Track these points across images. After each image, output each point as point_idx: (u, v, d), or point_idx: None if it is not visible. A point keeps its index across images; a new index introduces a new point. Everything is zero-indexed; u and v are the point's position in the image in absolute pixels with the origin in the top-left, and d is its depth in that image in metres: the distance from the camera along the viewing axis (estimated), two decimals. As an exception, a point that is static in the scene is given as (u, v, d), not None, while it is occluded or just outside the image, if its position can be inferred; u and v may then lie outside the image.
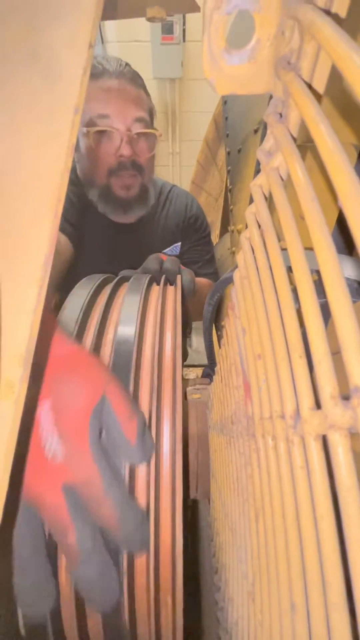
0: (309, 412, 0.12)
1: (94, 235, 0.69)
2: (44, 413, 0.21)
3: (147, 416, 0.28)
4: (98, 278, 0.41)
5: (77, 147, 0.64)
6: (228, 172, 0.70)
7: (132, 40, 2.17)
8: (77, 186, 0.68)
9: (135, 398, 0.29)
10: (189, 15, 1.92)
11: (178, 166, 2.53)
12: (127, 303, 0.36)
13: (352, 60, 0.08)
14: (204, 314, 0.50)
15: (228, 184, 0.70)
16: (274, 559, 0.16)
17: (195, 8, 0.26)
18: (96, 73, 0.58)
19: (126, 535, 0.22)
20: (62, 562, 0.23)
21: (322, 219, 0.11)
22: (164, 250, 0.78)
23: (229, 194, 0.69)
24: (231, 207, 0.67)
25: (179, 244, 0.80)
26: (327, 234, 0.10)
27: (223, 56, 0.14)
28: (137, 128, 0.61)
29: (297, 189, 0.12)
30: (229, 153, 0.70)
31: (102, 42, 2.12)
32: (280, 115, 0.15)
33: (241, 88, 0.15)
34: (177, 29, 1.97)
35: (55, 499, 0.21)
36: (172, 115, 2.31)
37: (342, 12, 0.11)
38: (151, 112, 0.66)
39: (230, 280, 0.46)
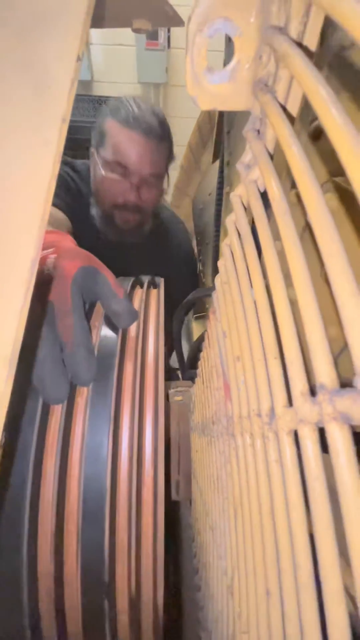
0: (282, 409, 0.12)
1: (84, 234, 0.75)
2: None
3: (129, 417, 0.29)
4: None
5: (93, 166, 0.71)
6: (198, 240, 0.86)
7: (116, 43, 2.17)
8: (86, 184, 0.74)
9: (117, 399, 0.29)
10: (173, 23, 1.94)
11: (162, 170, 2.54)
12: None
13: (320, 94, 0.09)
14: (174, 330, 0.57)
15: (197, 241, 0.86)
16: (251, 550, 0.16)
17: (180, 23, 0.27)
18: (127, 122, 0.63)
19: (74, 356, 0.27)
20: (44, 497, 0.25)
21: (294, 228, 0.12)
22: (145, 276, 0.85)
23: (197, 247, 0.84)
24: (199, 248, 0.82)
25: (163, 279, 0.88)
26: (297, 241, 0.11)
27: (205, 75, 0.15)
28: (148, 181, 0.68)
29: (272, 202, 0.13)
30: (201, 208, 0.88)
31: (87, 44, 2.11)
32: (258, 132, 0.16)
33: (222, 105, 0.16)
34: (162, 36, 2.00)
35: None
36: (156, 120, 2.33)
37: (312, 46, 0.12)
38: (168, 161, 0.72)
39: (192, 303, 0.53)
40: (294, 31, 0.12)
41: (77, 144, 2.28)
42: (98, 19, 0.24)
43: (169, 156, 0.71)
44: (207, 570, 0.32)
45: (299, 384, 0.11)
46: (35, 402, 0.26)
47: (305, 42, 0.12)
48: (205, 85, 0.15)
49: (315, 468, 0.10)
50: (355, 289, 0.08)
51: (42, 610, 0.24)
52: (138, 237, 0.76)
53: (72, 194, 0.72)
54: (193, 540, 0.44)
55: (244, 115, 0.16)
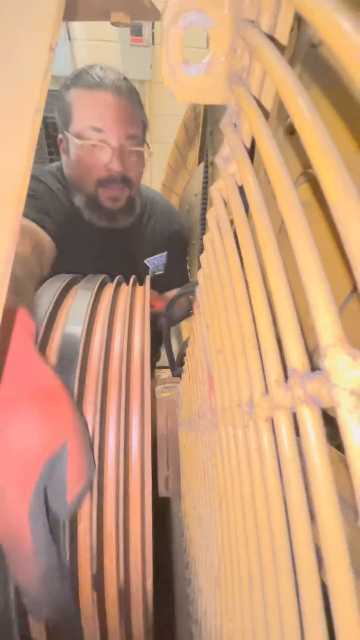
0: (260, 397, 0.13)
1: (80, 239, 0.68)
2: None
3: (115, 415, 0.28)
4: (65, 278, 0.41)
5: (66, 151, 0.65)
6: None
7: (100, 39, 2.14)
8: (67, 189, 0.68)
9: (103, 398, 0.29)
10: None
11: (149, 168, 2.52)
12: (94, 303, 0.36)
13: (288, 86, 0.10)
14: (163, 327, 0.57)
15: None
16: (235, 539, 0.17)
17: (159, 16, 0.27)
18: (92, 84, 0.59)
19: (43, 599, 0.21)
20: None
21: (268, 222, 0.12)
22: (149, 259, 0.80)
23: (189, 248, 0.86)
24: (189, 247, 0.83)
25: (165, 254, 0.82)
26: (272, 234, 0.12)
27: (181, 68, 0.15)
28: (130, 145, 0.62)
29: (248, 194, 0.13)
30: (187, 209, 0.92)
31: (70, 40, 2.08)
32: (235, 125, 0.16)
33: (199, 98, 0.16)
34: (146, 32, 1.98)
35: None
36: (142, 117, 2.31)
37: (283, 40, 0.12)
38: (144, 127, 0.67)
39: (174, 301, 0.53)
40: (265, 24, 0.12)
41: (62, 141, 2.25)
42: (74, 10, 0.24)
43: (143, 118, 0.67)
44: (196, 563, 0.32)
45: (273, 372, 0.11)
46: None
47: (276, 36, 0.12)
48: (181, 78, 0.15)
49: (289, 452, 0.10)
50: (319, 272, 0.08)
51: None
52: (129, 216, 0.70)
53: (54, 209, 0.65)
54: (183, 534, 0.45)
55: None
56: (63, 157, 0.68)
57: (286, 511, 0.11)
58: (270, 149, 0.11)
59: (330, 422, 0.11)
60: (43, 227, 0.59)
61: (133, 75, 2.15)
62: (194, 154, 1.15)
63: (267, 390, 0.13)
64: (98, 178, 0.63)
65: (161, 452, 0.43)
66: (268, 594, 0.12)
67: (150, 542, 0.26)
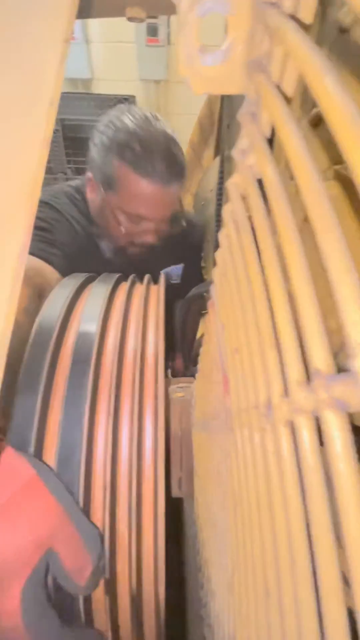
0: (279, 399, 0.12)
1: (95, 260, 0.68)
2: None
3: (129, 416, 0.28)
4: (80, 277, 0.41)
5: (97, 195, 0.64)
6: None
7: (117, 41, 2.16)
8: (88, 218, 0.68)
9: (116, 398, 0.28)
10: (173, 18, 1.93)
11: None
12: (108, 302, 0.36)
13: (315, 68, 0.09)
14: (177, 324, 0.57)
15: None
16: (251, 547, 0.16)
17: (174, 10, 0.26)
18: (141, 169, 0.55)
19: None
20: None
21: (291, 215, 0.11)
22: (166, 270, 0.80)
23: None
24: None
25: (181, 265, 0.82)
26: (294, 229, 0.11)
27: (198, 56, 0.15)
28: (166, 219, 0.64)
29: (268, 187, 0.13)
30: (202, 204, 0.92)
31: (87, 42, 2.11)
32: (254, 115, 0.15)
33: (216, 88, 0.16)
34: (162, 32, 1.98)
35: None
36: (157, 117, 2.31)
37: (308, 19, 0.11)
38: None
39: (195, 298, 0.53)
40: (287, 4, 0.11)
41: (78, 143, 2.28)
42: (88, 7, 0.24)
43: (182, 188, 0.66)
44: (209, 567, 0.31)
45: (294, 372, 0.10)
46: (35, 396, 0.26)
47: (299, 16, 0.11)
48: (198, 67, 0.15)
49: (311, 459, 0.09)
50: (349, 265, 0.07)
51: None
52: (151, 251, 0.71)
53: (65, 240, 0.63)
54: (196, 536, 0.44)
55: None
56: (90, 195, 0.66)
57: (306, 520, 0.11)
58: (291, 135, 0.11)
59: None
60: (51, 262, 0.57)
61: (149, 75, 2.16)
62: (209, 153, 1.14)
63: (286, 392, 0.12)
64: (131, 240, 0.64)
65: (175, 452, 0.43)
66: (285, 608, 0.11)
67: (163, 546, 0.25)
